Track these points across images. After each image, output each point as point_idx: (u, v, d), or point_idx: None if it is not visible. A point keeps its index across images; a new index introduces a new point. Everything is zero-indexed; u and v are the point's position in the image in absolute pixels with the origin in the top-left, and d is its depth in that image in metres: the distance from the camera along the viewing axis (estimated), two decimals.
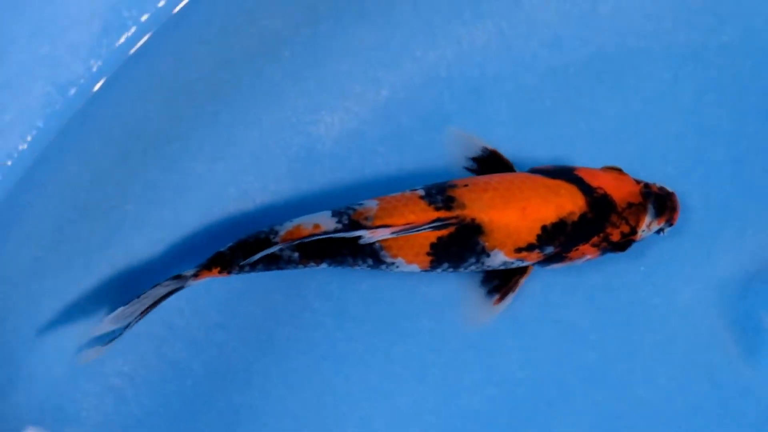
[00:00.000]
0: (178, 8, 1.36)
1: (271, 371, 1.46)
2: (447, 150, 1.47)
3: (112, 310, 1.35)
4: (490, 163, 1.46)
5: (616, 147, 1.50)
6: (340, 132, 1.48)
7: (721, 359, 1.50)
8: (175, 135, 1.45)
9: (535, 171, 1.45)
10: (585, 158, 1.47)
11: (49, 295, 1.42)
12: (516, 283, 1.45)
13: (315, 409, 1.47)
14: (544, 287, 1.49)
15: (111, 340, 1.37)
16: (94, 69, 1.34)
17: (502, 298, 1.44)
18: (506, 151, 1.45)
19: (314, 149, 1.47)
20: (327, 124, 1.47)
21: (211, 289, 1.45)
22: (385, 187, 1.47)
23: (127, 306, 1.34)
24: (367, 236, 1.35)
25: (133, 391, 1.45)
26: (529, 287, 1.48)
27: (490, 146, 1.46)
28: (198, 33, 1.42)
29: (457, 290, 1.48)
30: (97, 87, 1.35)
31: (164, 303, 1.37)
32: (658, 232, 1.45)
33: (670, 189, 1.44)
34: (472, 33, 1.49)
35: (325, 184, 1.47)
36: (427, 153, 1.49)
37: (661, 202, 1.43)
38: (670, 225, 1.44)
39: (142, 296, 1.35)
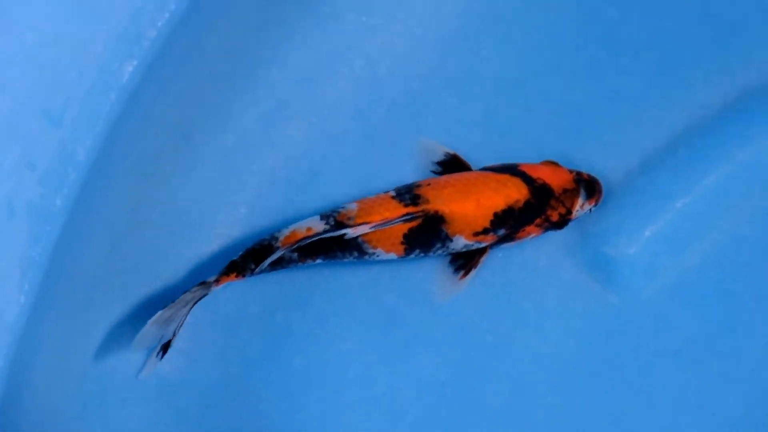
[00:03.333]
0: None
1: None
2: (417, 157, 1.68)
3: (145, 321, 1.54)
4: (452, 165, 1.66)
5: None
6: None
7: (589, 297, 1.70)
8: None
9: (486, 169, 1.63)
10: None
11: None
12: (477, 261, 1.64)
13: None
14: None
15: (163, 351, 1.58)
16: None
17: (466, 274, 1.64)
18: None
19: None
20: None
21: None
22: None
23: (164, 310, 1.53)
24: (351, 232, 1.55)
25: None
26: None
27: (451, 150, 1.67)
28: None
29: (363, 315, 1.68)
30: None
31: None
32: (588, 211, 1.65)
33: (595, 176, 1.65)
34: (288, 134, 1.71)
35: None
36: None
37: (591, 187, 1.64)
38: (596, 205, 1.65)
39: (176, 301, 1.54)
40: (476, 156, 1.70)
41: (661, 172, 1.72)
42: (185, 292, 1.55)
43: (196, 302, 1.57)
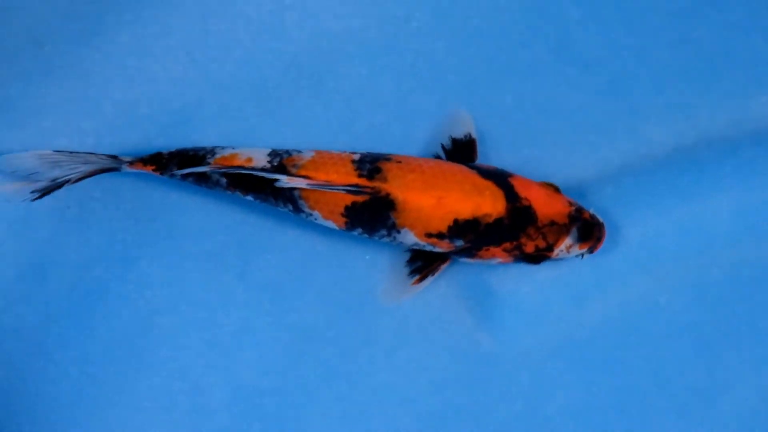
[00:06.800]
0: None
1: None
2: (442, 125, 1.51)
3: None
4: (463, 149, 1.50)
5: (324, 143, 1.52)
6: None
7: (456, 330, 1.50)
8: None
9: (474, 167, 1.46)
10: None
11: None
12: (436, 268, 1.47)
13: None
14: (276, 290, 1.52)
15: (39, 193, 1.45)
16: None
17: (421, 280, 1.47)
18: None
19: None
20: None
21: None
22: None
23: (58, 152, 1.46)
24: (284, 182, 1.41)
25: None
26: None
27: (474, 135, 1.50)
28: None
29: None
30: None
31: None
32: (578, 255, 1.46)
33: (600, 219, 1.45)
34: (166, 67, 1.51)
35: None
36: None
37: (588, 230, 1.44)
38: (591, 252, 1.45)
39: (75, 153, 1.46)
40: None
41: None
42: (91, 153, 1.47)
43: (96, 173, 1.47)
